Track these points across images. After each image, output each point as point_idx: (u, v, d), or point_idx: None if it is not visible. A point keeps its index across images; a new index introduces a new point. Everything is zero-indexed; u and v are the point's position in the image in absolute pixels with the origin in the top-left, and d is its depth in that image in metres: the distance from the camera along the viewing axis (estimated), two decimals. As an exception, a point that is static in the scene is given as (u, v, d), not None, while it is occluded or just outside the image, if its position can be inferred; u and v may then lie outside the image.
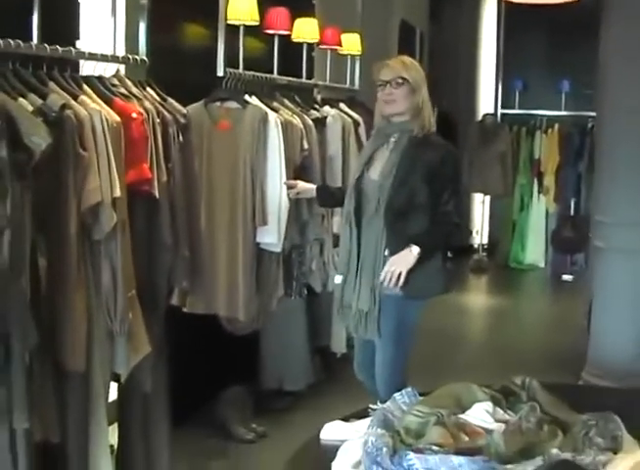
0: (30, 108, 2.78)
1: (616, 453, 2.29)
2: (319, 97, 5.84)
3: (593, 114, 9.13)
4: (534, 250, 10.27)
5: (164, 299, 3.51)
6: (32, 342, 2.69)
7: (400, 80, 3.67)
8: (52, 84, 2.98)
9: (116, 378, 3.28)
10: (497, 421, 2.49)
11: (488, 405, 2.54)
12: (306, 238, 5.01)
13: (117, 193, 2.96)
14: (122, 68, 3.61)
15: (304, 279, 5.12)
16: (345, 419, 2.72)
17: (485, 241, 10.62)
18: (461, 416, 2.47)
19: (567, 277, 9.66)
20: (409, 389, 2.66)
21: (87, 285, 2.97)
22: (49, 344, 2.86)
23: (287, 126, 4.59)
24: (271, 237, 4.47)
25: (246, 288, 4.43)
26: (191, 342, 4.44)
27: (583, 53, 9.19)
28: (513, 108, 10.62)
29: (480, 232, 10.66)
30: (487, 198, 10.30)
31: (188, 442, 4.31)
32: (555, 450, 2.17)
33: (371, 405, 2.77)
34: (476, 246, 10.65)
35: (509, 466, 2.09)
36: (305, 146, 4.74)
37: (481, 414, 2.50)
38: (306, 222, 4.95)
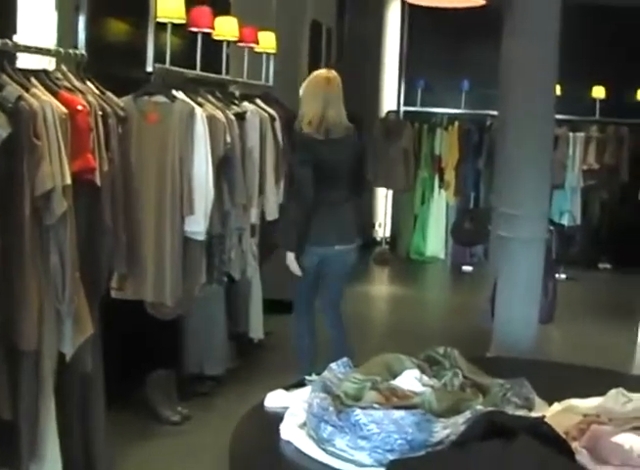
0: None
1: (530, 411, 2.61)
2: (237, 93, 6.03)
3: (492, 112, 9.64)
4: (435, 242, 10.61)
5: (105, 282, 3.68)
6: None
7: None
8: (4, 77, 3.13)
9: (60, 358, 3.44)
10: (424, 386, 2.75)
11: (416, 373, 2.80)
12: (228, 228, 5.21)
13: (68, 181, 3.14)
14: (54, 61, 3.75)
15: (224, 267, 5.30)
16: (286, 389, 2.93)
17: (388, 234, 10.91)
18: (392, 382, 2.72)
19: (466, 268, 10.01)
20: (344, 359, 2.89)
21: (38, 268, 3.14)
22: (3, 324, 3.02)
23: (211, 120, 4.78)
24: (197, 226, 4.64)
25: (173, 274, 4.59)
26: (118, 326, 4.57)
27: (484, 54, 9.64)
28: (415, 105, 10.93)
29: (382, 225, 10.93)
30: (390, 192, 10.57)
31: (118, 423, 4.44)
32: (479, 407, 2.46)
33: (306, 377, 2.99)
34: (379, 239, 10.94)
35: (442, 419, 2.37)
36: (228, 139, 4.92)
37: (410, 380, 2.75)
38: (228, 212, 5.14)
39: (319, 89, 4.93)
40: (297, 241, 4.91)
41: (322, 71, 5.11)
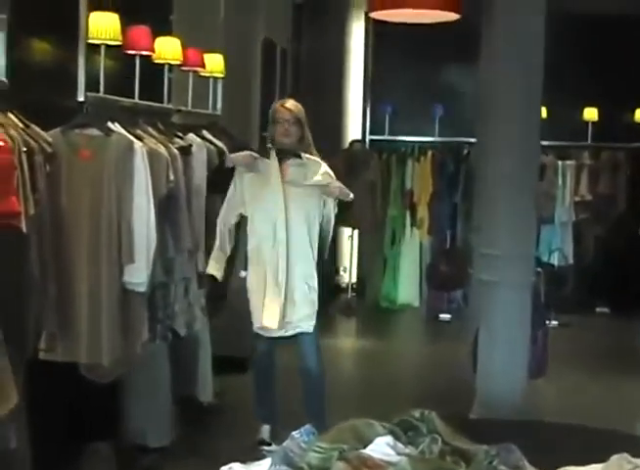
0: None
1: (520, 482, 2.62)
2: (177, 123, 6.04)
3: (469, 139, 9.71)
4: (408, 287, 10.61)
5: (32, 343, 3.66)
6: None
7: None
8: None
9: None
10: (399, 455, 2.75)
11: (389, 439, 2.80)
12: (172, 277, 5.21)
13: (-13, 227, 3.12)
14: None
15: (169, 321, 5.29)
16: (242, 462, 2.92)
17: (354, 279, 10.92)
18: (363, 451, 2.72)
19: (444, 316, 10.02)
20: (307, 426, 2.89)
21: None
22: None
23: (152, 156, 4.79)
24: (139, 276, 4.63)
25: (110, 331, 4.56)
26: (47, 393, 4.53)
27: (459, 75, 9.78)
28: (382, 134, 11.01)
29: (348, 270, 10.92)
30: (356, 232, 10.58)
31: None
32: (462, 478, 2.47)
33: (265, 447, 2.99)
34: (344, 285, 10.96)
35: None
36: (172, 177, 4.93)
37: (383, 448, 2.75)
38: (172, 260, 5.15)
39: None
40: None
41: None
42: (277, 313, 5.24)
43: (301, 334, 5.33)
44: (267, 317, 5.28)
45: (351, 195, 5.31)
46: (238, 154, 5.40)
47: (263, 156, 5.30)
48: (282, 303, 5.24)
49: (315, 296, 5.31)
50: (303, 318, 5.30)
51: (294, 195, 5.25)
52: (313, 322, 5.31)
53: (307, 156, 5.28)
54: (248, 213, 5.34)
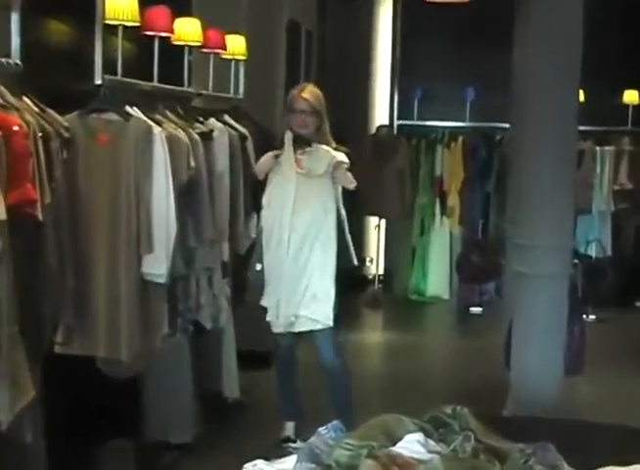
0: None
1: (558, 482, 2.62)
2: (198, 107, 6.05)
3: (502, 125, 9.68)
4: (438, 279, 10.63)
5: (49, 336, 3.68)
6: None
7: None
8: None
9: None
10: (430, 453, 2.76)
11: (420, 437, 2.81)
12: (193, 268, 5.23)
13: (3, 215, 3.14)
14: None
15: (190, 314, 5.31)
16: (266, 458, 2.93)
17: (381, 271, 10.87)
18: (392, 448, 2.73)
19: (475, 310, 10.04)
20: (335, 422, 2.90)
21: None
22: None
23: (172, 141, 4.80)
24: (158, 267, 4.64)
25: (129, 324, 4.57)
26: (64, 388, 4.56)
27: (492, 57, 9.67)
28: (411, 119, 10.95)
29: (375, 261, 10.91)
30: (383, 221, 10.58)
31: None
32: (497, 477, 2.47)
33: (291, 445, 3.01)
34: (370, 277, 10.97)
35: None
36: (192, 163, 4.94)
37: (414, 446, 2.76)
38: (193, 249, 5.17)
39: None
40: None
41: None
42: (281, 312, 5.31)
43: (318, 329, 5.34)
44: (270, 315, 5.36)
45: (354, 183, 5.31)
46: (260, 162, 5.46)
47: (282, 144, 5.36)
48: (289, 298, 5.29)
49: (332, 288, 5.29)
50: (317, 312, 5.30)
51: (307, 185, 5.28)
52: (330, 316, 5.29)
53: (320, 145, 5.30)
54: (264, 201, 5.39)
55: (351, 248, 5.45)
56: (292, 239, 5.27)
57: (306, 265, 5.28)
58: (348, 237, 5.43)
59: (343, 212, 5.39)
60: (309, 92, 5.39)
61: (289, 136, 5.35)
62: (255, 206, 5.60)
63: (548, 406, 5.07)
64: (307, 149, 5.29)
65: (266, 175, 5.39)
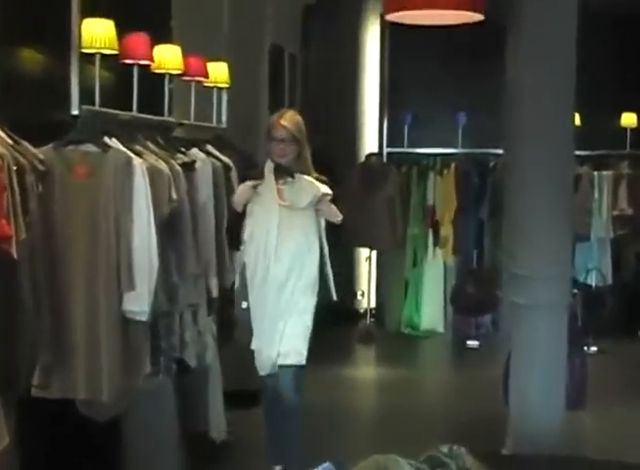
0: None
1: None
2: (179, 137, 6.05)
3: (495, 151, 9.70)
4: (432, 312, 10.58)
5: (25, 378, 3.65)
6: None
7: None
8: None
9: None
10: (428, 495, 2.75)
11: (417, 478, 2.81)
12: (176, 304, 5.21)
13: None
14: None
15: (174, 352, 5.28)
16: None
17: (373, 304, 10.82)
18: (388, 492, 2.72)
19: (472, 343, 9.96)
20: (326, 464, 2.89)
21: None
22: None
23: (153, 173, 4.79)
24: (140, 304, 4.62)
25: (109, 364, 4.55)
26: (41, 433, 4.52)
27: (483, 81, 9.70)
28: (401, 145, 10.96)
29: (366, 294, 10.88)
30: (374, 253, 10.53)
31: None
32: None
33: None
34: (362, 311, 10.93)
35: None
36: (174, 195, 4.93)
37: (410, 488, 2.76)
38: (176, 285, 5.15)
39: None
40: None
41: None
42: (263, 354, 5.31)
43: (288, 366, 5.29)
44: (257, 358, 5.35)
45: (340, 217, 5.29)
46: (237, 193, 5.39)
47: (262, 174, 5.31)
48: (269, 340, 5.27)
49: (309, 327, 5.29)
50: (291, 350, 5.27)
51: (290, 217, 5.25)
52: (304, 355, 5.27)
53: (302, 176, 5.26)
54: (246, 235, 5.34)
55: (332, 282, 5.42)
56: (276, 273, 5.24)
57: (288, 304, 5.26)
58: (329, 271, 5.40)
59: (326, 246, 5.36)
60: (289, 119, 5.34)
61: (269, 166, 5.30)
62: (233, 240, 5.49)
63: (549, 443, 5.05)
64: (289, 180, 5.25)
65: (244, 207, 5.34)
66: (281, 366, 5.28)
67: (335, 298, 5.44)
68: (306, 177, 5.26)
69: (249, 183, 5.31)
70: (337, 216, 5.29)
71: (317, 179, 5.28)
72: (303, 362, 5.28)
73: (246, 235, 5.33)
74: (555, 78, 5.47)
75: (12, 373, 3.52)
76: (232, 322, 5.64)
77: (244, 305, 5.37)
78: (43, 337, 3.66)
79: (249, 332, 5.38)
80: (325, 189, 5.23)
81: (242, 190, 5.34)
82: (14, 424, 3.63)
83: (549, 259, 5.38)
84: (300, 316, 5.27)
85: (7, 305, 3.49)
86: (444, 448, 2.96)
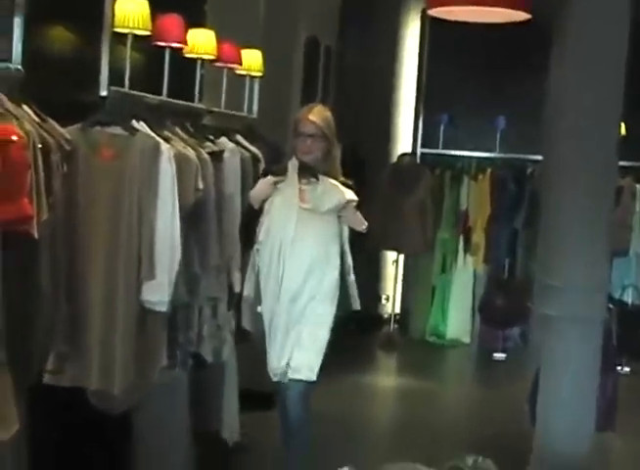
0: None
1: None
2: (209, 125, 6.06)
3: (534, 157, 9.65)
4: (458, 321, 10.59)
5: (39, 364, 3.66)
6: None
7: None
8: None
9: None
10: (450, 505, 2.75)
11: (439, 488, 2.81)
12: (197, 296, 5.21)
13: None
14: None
15: (190, 346, 5.28)
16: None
17: (398, 310, 10.82)
18: (409, 500, 2.73)
19: (498, 355, 9.95)
20: (345, 468, 2.90)
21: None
22: None
23: (180, 160, 4.80)
24: (159, 294, 4.64)
25: (124, 355, 4.58)
26: (49, 423, 4.53)
27: (525, 84, 9.66)
28: (436, 147, 10.93)
29: (391, 299, 10.87)
30: (401, 257, 10.54)
31: None
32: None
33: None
34: (386, 316, 10.92)
35: None
36: (200, 185, 4.94)
37: (432, 498, 2.76)
38: (197, 277, 5.15)
39: None
40: None
41: None
42: (274, 362, 5.21)
43: (298, 381, 5.18)
44: (269, 362, 5.26)
45: (364, 225, 5.20)
46: (256, 188, 5.27)
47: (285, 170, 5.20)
48: (281, 348, 5.18)
49: (325, 340, 5.16)
50: (303, 364, 5.14)
51: (310, 220, 5.13)
52: (315, 370, 5.14)
53: (326, 179, 5.14)
54: (260, 235, 5.23)
55: (355, 291, 5.30)
56: (290, 280, 5.13)
57: (303, 313, 5.15)
58: (352, 279, 5.28)
59: (349, 254, 5.25)
60: (317, 114, 5.20)
61: (294, 163, 5.18)
62: (246, 238, 5.37)
63: (576, 464, 5.02)
64: (313, 180, 5.13)
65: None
66: (291, 379, 5.18)
67: (358, 307, 5.33)
68: (331, 180, 5.15)
69: (270, 179, 5.20)
70: (361, 224, 5.20)
71: (342, 183, 5.17)
72: (314, 379, 5.15)
73: (261, 235, 5.22)
74: (601, 84, 5.44)
75: (26, 358, 3.53)
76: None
77: (258, 308, 5.30)
78: (59, 322, 3.66)
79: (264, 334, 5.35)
80: (350, 195, 5.13)
81: (262, 185, 5.23)
82: (24, 411, 3.64)
83: (584, 272, 5.35)
84: (316, 328, 5.15)
85: (25, 289, 3.50)
86: (469, 459, 2.96)
